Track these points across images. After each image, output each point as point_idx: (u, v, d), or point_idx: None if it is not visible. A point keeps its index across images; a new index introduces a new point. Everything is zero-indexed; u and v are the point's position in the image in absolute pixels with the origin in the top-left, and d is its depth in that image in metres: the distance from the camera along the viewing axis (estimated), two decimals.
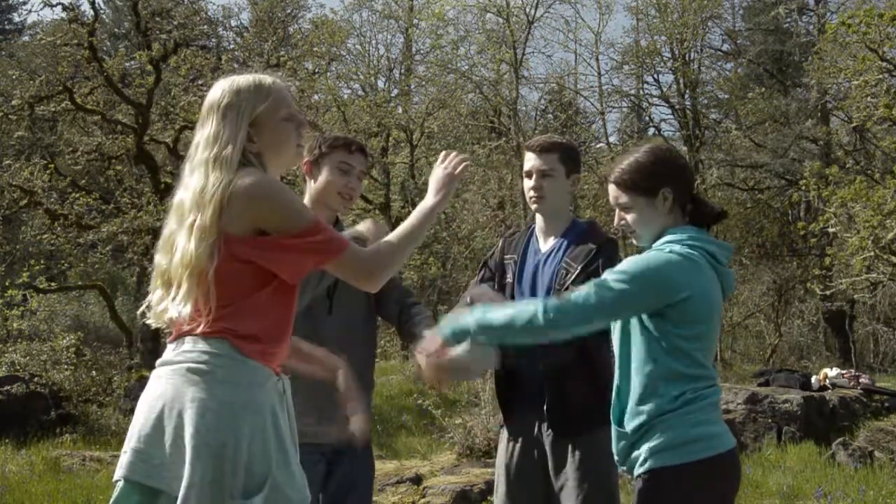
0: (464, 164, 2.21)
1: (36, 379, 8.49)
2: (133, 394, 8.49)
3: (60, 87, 11.69)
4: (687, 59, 17.99)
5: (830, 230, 10.05)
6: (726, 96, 19.19)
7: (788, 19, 18.89)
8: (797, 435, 6.81)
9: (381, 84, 18.76)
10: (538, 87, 19.96)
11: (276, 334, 1.90)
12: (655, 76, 19.28)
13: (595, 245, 2.61)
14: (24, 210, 12.25)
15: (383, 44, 18.96)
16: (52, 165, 12.55)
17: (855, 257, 9.19)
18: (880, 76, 9.86)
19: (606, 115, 19.82)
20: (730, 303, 16.34)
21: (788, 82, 19.13)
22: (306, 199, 2.72)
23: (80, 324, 14.68)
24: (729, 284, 2.16)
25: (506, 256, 2.82)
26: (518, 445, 2.67)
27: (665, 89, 19.10)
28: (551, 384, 2.57)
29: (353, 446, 2.63)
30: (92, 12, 12.14)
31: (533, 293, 2.69)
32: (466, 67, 17.21)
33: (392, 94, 17.89)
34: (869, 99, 10.24)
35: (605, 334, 2.23)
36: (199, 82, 11.72)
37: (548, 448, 2.60)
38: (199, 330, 1.83)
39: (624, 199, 2.19)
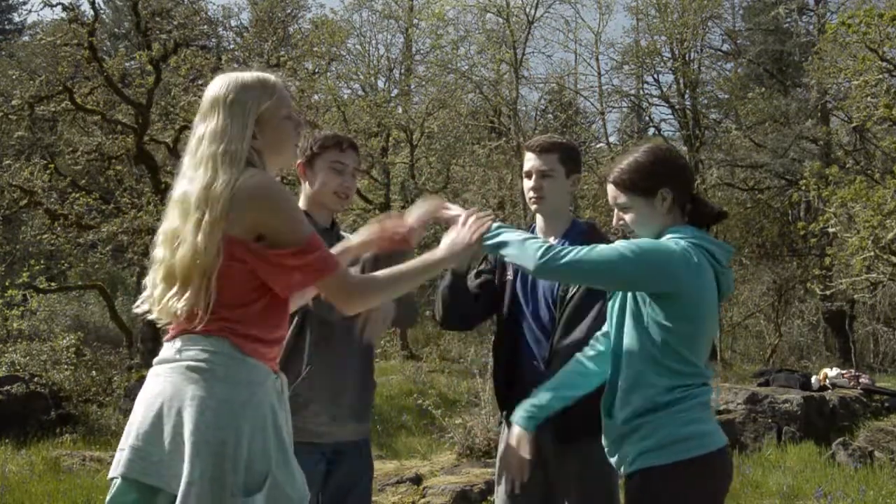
0: (485, 225, 2.18)
1: (36, 379, 8.48)
2: (133, 394, 8.45)
3: (60, 87, 11.69)
4: (687, 59, 18.00)
5: (830, 230, 10.05)
6: (726, 96, 19.20)
7: (788, 19, 18.90)
8: (797, 435, 6.81)
9: (381, 84, 18.79)
10: (538, 87, 20.01)
11: (273, 333, 1.91)
12: (655, 76, 19.32)
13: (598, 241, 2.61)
14: (24, 210, 12.24)
15: (383, 44, 19.00)
16: (52, 165, 12.54)
17: (855, 257, 9.19)
18: (880, 76, 9.86)
19: (606, 115, 19.87)
20: (730, 303, 16.34)
21: (788, 82, 19.14)
22: (302, 201, 2.72)
23: (80, 324, 14.68)
24: (728, 285, 2.16)
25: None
26: None
27: (665, 89, 19.12)
28: None
29: (355, 444, 2.64)
30: (92, 12, 12.14)
31: (534, 292, 2.69)
32: (466, 67, 17.24)
33: (392, 94, 17.91)
34: (869, 99, 10.24)
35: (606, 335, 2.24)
36: (199, 82, 11.71)
37: (549, 449, 2.59)
38: (199, 328, 1.83)
39: (622, 199, 2.19)
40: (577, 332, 2.54)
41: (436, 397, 8.10)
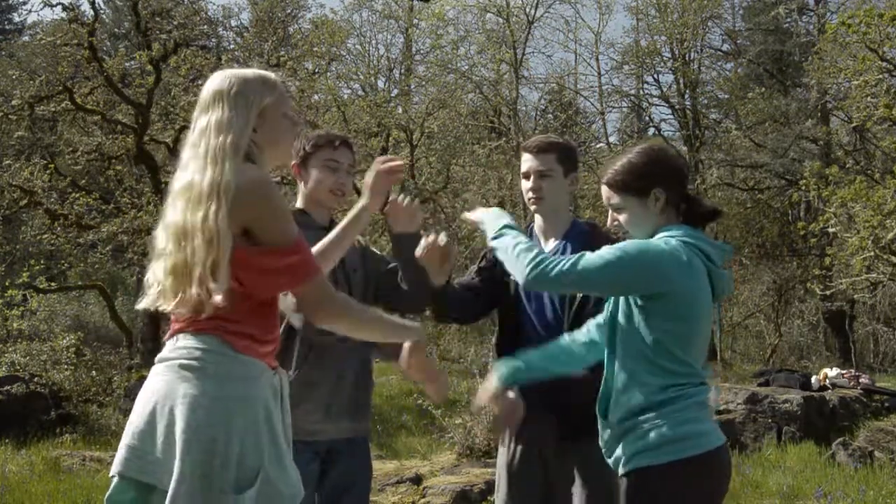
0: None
1: (36, 379, 8.48)
2: (133, 394, 8.44)
3: (60, 87, 11.68)
4: (687, 59, 18.00)
5: (830, 230, 10.05)
6: (726, 96, 19.20)
7: (788, 19, 18.90)
8: (797, 435, 6.81)
9: (381, 84, 18.80)
10: (538, 87, 20.03)
11: (267, 329, 1.90)
12: (655, 76, 19.32)
13: (603, 244, 2.60)
14: (24, 210, 12.24)
15: (383, 44, 19.01)
16: (52, 165, 12.54)
17: (855, 257, 9.19)
18: (880, 76, 9.85)
19: (606, 115, 19.87)
20: (730, 303, 16.33)
21: (788, 82, 19.14)
22: (300, 201, 2.73)
23: (80, 324, 14.68)
24: (722, 286, 2.16)
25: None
26: (520, 446, 2.66)
27: (665, 89, 19.12)
28: (556, 386, 2.56)
29: (351, 443, 2.64)
30: (92, 12, 12.14)
31: (538, 293, 2.69)
32: (466, 67, 17.25)
33: (392, 94, 17.91)
34: (869, 99, 10.24)
35: None
36: (199, 82, 11.68)
37: (550, 450, 2.59)
38: (192, 326, 1.83)
39: (616, 199, 2.21)
40: None
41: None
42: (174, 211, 1.86)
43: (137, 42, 14.02)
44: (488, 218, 2.27)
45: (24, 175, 11.47)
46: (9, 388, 8.11)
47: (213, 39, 19.27)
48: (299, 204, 2.74)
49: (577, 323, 2.56)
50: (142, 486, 1.79)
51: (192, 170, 1.86)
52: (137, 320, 13.06)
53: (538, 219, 2.78)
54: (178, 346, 1.84)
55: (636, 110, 21.03)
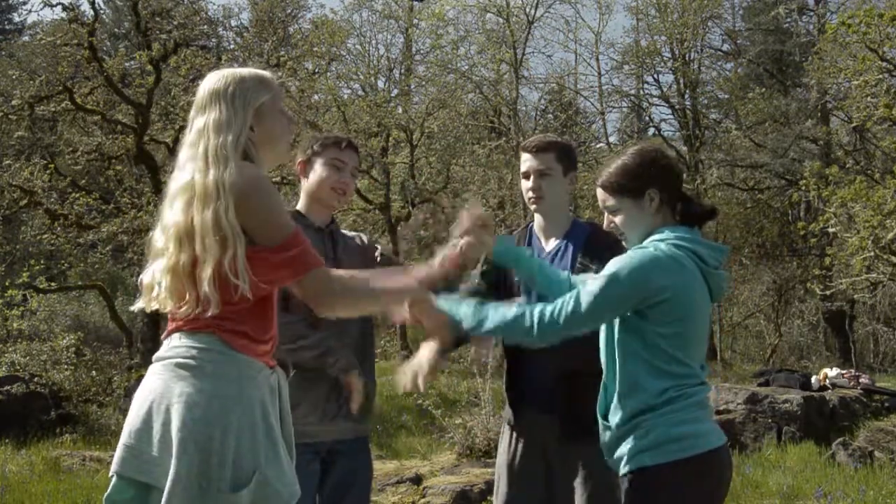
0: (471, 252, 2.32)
1: (36, 379, 8.49)
2: (133, 393, 8.47)
3: (60, 87, 11.68)
4: (687, 59, 18.00)
5: (830, 230, 10.05)
6: (726, 96, 19.21)
7: (788, 19, 18.90)
8: (797, 435, 6.81)
9: (381, 84, 18.78)
10: (538, 87, 20.02)
11: (264, 328, 1.90)
12: (655, 76, 19.32)
13: (606, 245, 2.59)
14: (24, 210, 12.24)
15: (383, 44, 18.98)
16: (52, 165, 12.54)
17: (855, 257, 9.19)
18: (880, 76, 9.86)
19: (606, 115, 19.88)
20: (730, 303, 16.34)
21: (788, 82, 19.14)
22: (301, 197, 2.75)
23: (80, 324, 14.69)
24: (718, 286, 2.16)
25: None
26: (521, 445, 2.66)
27: (665, 89, 19.11)
28: (561, 386, 2.56)
29: (351, 443, 2.64)
30: (92, 12, 12.13)
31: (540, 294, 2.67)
32: (466, 67, 17.25)
33: (392, 94, 17.89)
34: (869, 99, 10.24)
35: None
36: (199, 82, 11.67)
37: (553, 449, 2.59)
38: (189, 326, 1.83)
39: (611, 201, 2.21)
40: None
41: (436, 397, 8.09)
42: (174, 211, 1.85)
43: (137, 42, 14.01)
44: (457, 313, 2.16)
45: (24, 175, 11.47)
46: (9, 388, 8.11)
47: (213, 39, 19.27)
48: (300, 201, 2.75)
49: None
50: (140, 486, 1.79)
51: (190, 170, 1.86)
52: (137, 320, 13.04)
53: (538, 218, 2.78)
54: (174, 345, 1.84)
55: (636, 110, 21.03)
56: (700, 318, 2.12)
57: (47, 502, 5.31)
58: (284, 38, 15.58)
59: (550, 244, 2.73)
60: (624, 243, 2.26)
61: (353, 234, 2.89)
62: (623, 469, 2.09)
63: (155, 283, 1.86)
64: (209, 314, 1.79)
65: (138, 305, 1.92)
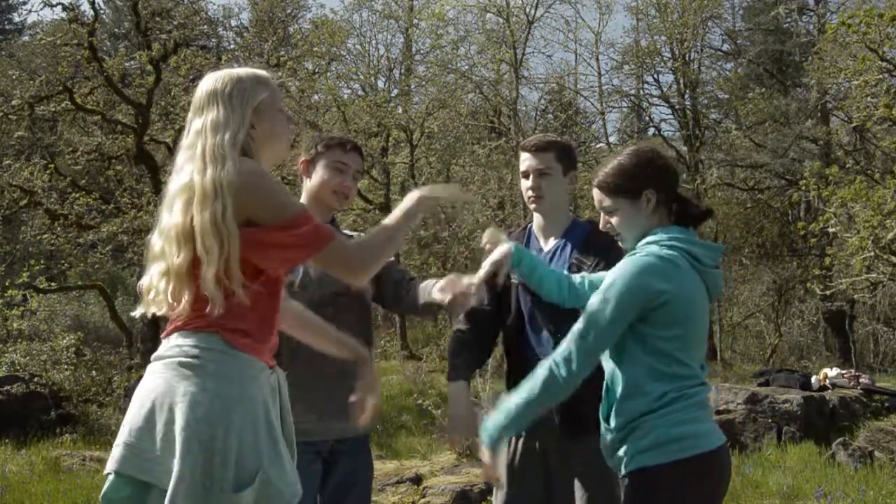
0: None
1: (36, 379, 8.49)
2: (132, 393, 8.48)
3: (60, 87, 11.68)
4: (687, 59, 18.00)
5: (830, 230, 10.04)
6: (726, 96, 19.21)
7: (788, 19, 18.90)
8: (797, 435, 6.81)
9: (381, 84, 18.79)
10: (538, 87, 20.02)
11: (265, 327, 1.90)
12: (655, 76, 19.32)
13: (603, 244, 2.59)
14: (24, 210, 12.24)
15: (383, 44, 19.00)
16: (52, 165, 12.54)
17: (855, 257, 9.18)
18: (880, 76, 9.85)
19: (606, 115, 19.87)
20: (730, 303, 16.34)
21: (788, 82, 19.15)
22: (303, 198, 2.74)
23: (80, 324, 14.69)
24: (715, 285, 2.17)
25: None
26: (520, 445, 2.66)
27: (665, 89, 19.11)
28: None
29: (353, 442, 2.64)
30: (92, 12, 12.13)
31: (537, 296, 2.67)
32: (466, 67, 17.24)
33: (392, 94, 17.91)
34: (869, 99, 10.24)
35: None
36: (199, 82, 11.70)
37: (552, 449, 2.59)
38: (191, 325, 1.83)
39: (607, 202, 2.21)
40: None
41: (436, 397, 8.10)
42: (173, 213, 1.85)
43: (137, 42, 14.01)
44: (487, 432, 2.16)
45: (24, 175, 11.47)
46: (9, 388, 8.12)
47: (213, 39, 19.27)
48: (302, 201, 2.74)
49: None
50: (139, 484, 1.78)
51: (189, 171, 1.86)
52: (137, 320, 13.02)
53: (537, 218, 2.78)
54: (176, 344, 1.84)
55: (636, 110, 21.03)
56: (700, 319, 2.12)
57: (47, 502, 5.31)
58: (284, 38, 15.58)
59: (549, 243, 2.73)
60: (620, 244, 2.26)
61: (353, 234, 2.89)
62: (624, 470, 2.10)
63: (153, 287, 1.86)
64: (213, 313, 1.79)
65: (139, 311, 1.92)
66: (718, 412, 6.89)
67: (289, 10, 18.35)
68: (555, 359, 2.09)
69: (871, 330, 15.97)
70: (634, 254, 2.12)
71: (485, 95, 16.99)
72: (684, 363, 2.08)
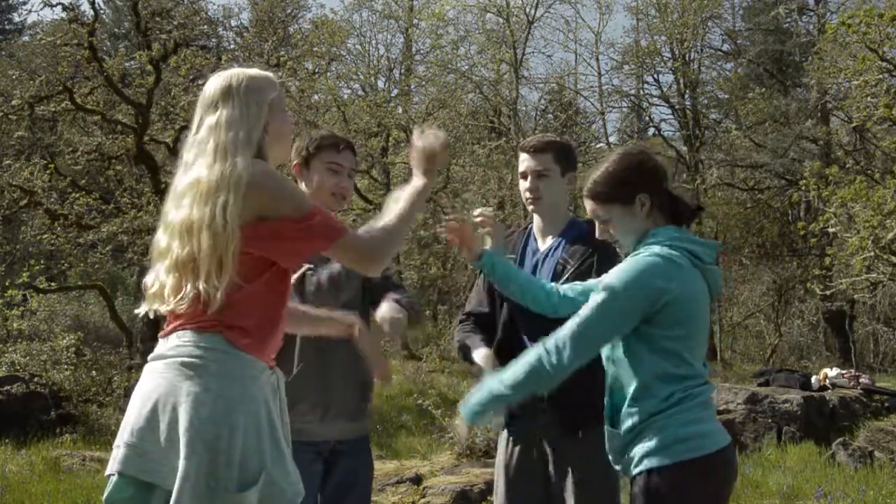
0: (443, 139, 2.24)
1: (36, 379, 8.49)
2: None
3: (60, 87, 11.67)
4: (687, 59, 18.00)
5: (830, 230, 10.04)
6: (726, 96, 19.20)
7: (788, 19, 18.90)
8: (797, 435, 6.81)
9: (381, 84, 18.79)
10: (538, 87, 20.01)
11: (268, 327, 1.90)
12: (655, 76, 19.32)
13: (592, 247, 2.59)
14: (24, 210, 12.24)
15: (383, 44, 19.01)
16: (52, 165, 12.53)
17: (855, 257, 9.18)
18: (880, 76, 9.85)
19: (606, 115, 19.87)
20: (730, 303, 16.34)
21: (788, 82, 19.14)
22: None
23: (80, 324, 14.67)
24: (716, 282, 2.16)
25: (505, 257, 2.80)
26: (518, 445, 2.66)
27: (665, 89, 19.11)
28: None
29: (353, 442, 2.64)
30: (92, 12, 12.12)
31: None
32: (466, 67, 17.24)
33: (392, 94, 17.91)
34: (869, 99, 10.24)
35: None
36: (199, 82, 11.70)
37: (548, 448, 2.59)
38: (193, 324, 1.83)
39: (601, 211, 2.18)
40: None
41: (436, 397, 8.10)
42: (181, 208, 1.84)
43: (137, 42, 14.00)
44: (467, 408, 2.16)
45: (24, 175, 11.46)
46: (9, 388, 8.11)
47: (213, 39, 19.27)
48: None
49: None
50: (141, 485, 1.78)
51: (199, 166, 1.86)
52: (137, 320, 13.03)
53: (536, 218, 2.78)
54: (177, 344, 1.84)
55: (636, 110, 21.03)
56: (702, 317, 2.12)
57: (47, 502, 5.31)
58: (284, 38, 15.58)
59: (546, 242, 2.74)
60: (618, 249, 2.25)
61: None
62: (632, 471, 2.09)
63: (158, 283, 1.86)
64: (212, 311, 1.79)
65: (143, 309, 1.91)
66: (718, 412, 6.89)
67: (289, 10, 18.35)
68: (546, 346, 2.06)
69: (871, 330, 15.97)
70: (638, 254, 2.11)
71: (485, 95, 16.99)
72: (689, 363, 2.07)
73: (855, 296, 11.67)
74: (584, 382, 2.45)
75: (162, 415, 1.77)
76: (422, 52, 18.88)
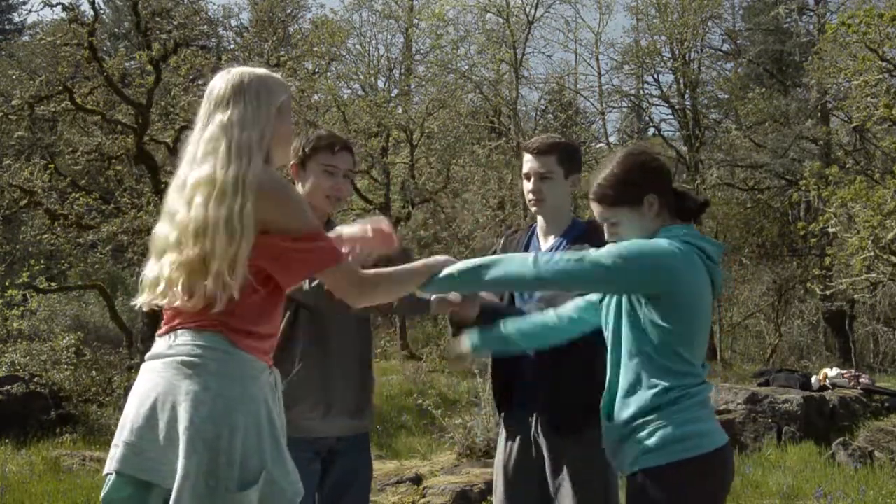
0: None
1: (36, 379, 8.49)
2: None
3: (60, 87, 11.67)
4: (687, 59, 18.00)
5: (830, 230, 10.04)
6: (726, 96, 19.20)
7: (788, 19, 18.91)
8: (797, 435, 6.81)
9: (381, 84, 18.79)
10: (538, 87, 20.02)
11: (267, 328, 1.91)
12: (655, 76, 19.32)
13: (592, 246, 2.59)
14: (24, 210, 12.23)
15: (383, 44, 18.99)
16: (52, 165, 12.52)
17: (855, 257, 9.18)
18: (880, 76, 9.85)
19: (606, 115, 19.86)
20: (730, 303, 16.35)
21: (788, 82, 19.15)
22: None
23: (80, 324, 14.68)
24: (719, 282, 2.16)
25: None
26: (515, 445, 2.67)
27: (665, 89, 19.11)
28: (547, 383, 2.57)
29: (353, 441, 2.64)
30: (92, 12, 12.11)
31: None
32: (466, 67, 17.25)
33: (392, 94, 17.90)
34: (869, 99, 10.24)
35: (599, 334, 2.24)
36: (199, 82, 11.71)
37: (544, 447, 2.60)
38: (193, 323, 1.83)
39: (608, 214, 2.17)
40: None
41: (436, 397, 8.10)
42: (194, 206, 1.82)
43: (137, 42, 14.00)
44: (438, 278, 2.12)
45: (24, 175, 11.45)
46: (9, 388, 8.11)
47: (213, 39, 19.28)
48: None
49: None
50: (139, 484, 1.78)
51: (211, 164, 1.84)
52: (137, 320, 13.04)
53: (539, 219, 2.79)
54: (177, 343, 1.83)
55: (636, 110, 21.03)
56: (704, 316, 2.12)
57: (47, 502, 5.30)
58: (284, 38, 15.58)
59: (548, 242, 2.75)
60: None
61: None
62: (629, 470, 2.09)
63: (162, 278, 1.84)
64: (215, 311, 1.79)
65: (140, 300, 1.89)
66: (718, 412, 6.89)
67: (289, 10, 18.36)
68: (541, 255, 2.06)
69: (871, 330, 15.97)
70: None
71: (485, 95, 17.00)
72: (688, 360, 2.07)
73: (855, 296, 11.67)
74: (582, 382, 2.46)
75: (161, 413, 1.77)
76: (422, 52, 18.90)
